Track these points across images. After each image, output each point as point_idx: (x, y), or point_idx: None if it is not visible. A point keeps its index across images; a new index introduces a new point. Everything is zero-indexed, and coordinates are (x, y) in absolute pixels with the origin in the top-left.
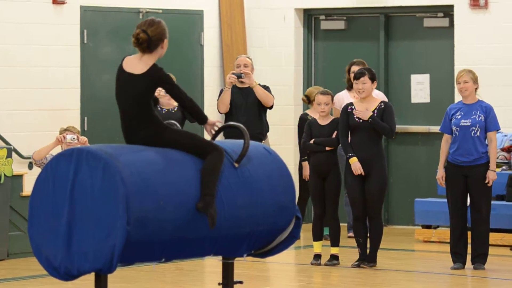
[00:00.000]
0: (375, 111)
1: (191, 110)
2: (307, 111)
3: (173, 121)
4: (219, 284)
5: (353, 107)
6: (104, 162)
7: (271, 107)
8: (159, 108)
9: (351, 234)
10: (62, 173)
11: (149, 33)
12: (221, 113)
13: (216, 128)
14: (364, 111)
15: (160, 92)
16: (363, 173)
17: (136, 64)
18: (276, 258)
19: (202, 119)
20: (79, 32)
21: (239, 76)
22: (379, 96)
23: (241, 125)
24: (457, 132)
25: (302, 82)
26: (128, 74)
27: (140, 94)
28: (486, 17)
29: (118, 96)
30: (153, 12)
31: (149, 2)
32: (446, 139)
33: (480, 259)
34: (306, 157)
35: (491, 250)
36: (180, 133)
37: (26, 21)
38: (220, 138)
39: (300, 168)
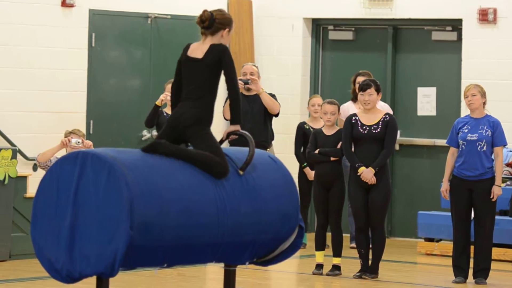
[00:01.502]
0: (380, 122)
1: (235, 103)
2: (306, 120)
3: None
4: None
5: (357, 117)
6: (109, 166)
7: (277, 115)
8: (164, 114)
9: (354, 244)
10: (66, 175)
11: (213, 14)
12: (226, 120)
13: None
14: (368, 176)
15: (167, 96)
16: (375, 181)
17: (198, 48)
18: (278, 266)
19: (237, 119)
20: (87, 36)
21: (246, 83)
22: (384, 107)
23: (247, 133)
24: (463, 146)
25: (308, 92)
26: (190, 59)
27: (204, 77)
28: (494, 32)
29: (186, 80)
30: (162, 18)
31: (158, 7)
32: (452, 152)
33: (482, 273)
34: (305, 164)
35: (493, 265)
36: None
37: (35, 23)
38: (225, 145)
39: (300, 176)
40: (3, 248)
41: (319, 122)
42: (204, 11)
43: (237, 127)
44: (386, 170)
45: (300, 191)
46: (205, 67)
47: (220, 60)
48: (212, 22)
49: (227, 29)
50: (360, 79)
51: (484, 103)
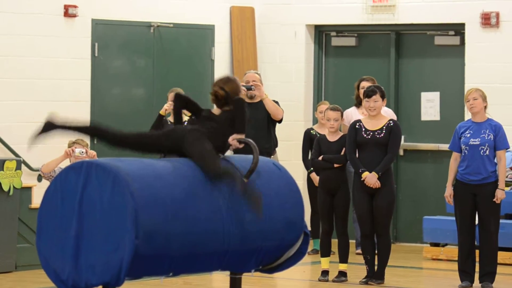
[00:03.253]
0: (384, 127)
1: (241, 114)
2: (313, 126)
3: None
4: None
5: (361, 123)
6: (113, 176)
7: (280, 121)
8: (168, 122)
9: (359, 251)
10: (71, 186)
11: (226, 90)
12: None
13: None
14: (371, 181)
15: (171, 106)
16: (379, 185)
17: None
18: (283, 274)
19: (241, 128)
20: (90, 45)
21: (249, 89)
22: (388, 113)
23: (251, 141)
24: (466, 151)
25: (312, 98)
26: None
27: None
28: (497, 35)
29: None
30: (165, 26)
31: (161, 16)
32: (455, 157)
33: (488, 277)
34: (312, 169)
35: (499, 269)
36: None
37: (38, 33)
38: (229, 153)
39: (309, 182)
40: (9, 260)
41: (326, 128)
42: (217, 90)
43: (241, 136)
44: (390, 175)
45: (310, 197)
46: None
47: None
48: (227, 98)
49: (240, 95)
50: (363, 84)
51: (485, 107)
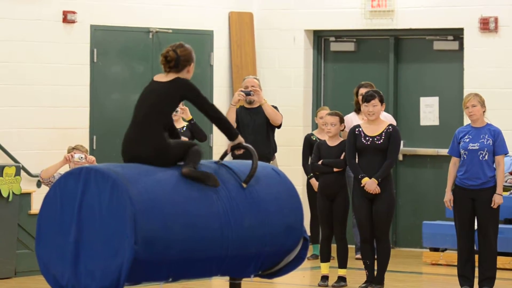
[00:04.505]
0: (383, 133)
1: (219, 123)
2: (314, 132)
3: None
4: None
5: (360, 129)
6: (112, 181)
7: (279, 126)
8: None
9: (359, 256)
10: (70, 191)
11: (178, 52)
12: None
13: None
14: (371, 187)
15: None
16: (379, 191)
17: (163, 77)
18: (283, 279)
19: (232, 135)
20: (89, 51)
21: (248, 94)
22: (387, 118)
23: (250, 146)
24: (465, 156)
25: (311, 104)
26: (154, 82)
27: (162, 101)
28: (496, 40)
29: (138, 103)
30: (163, 32)
31: (159, 22)
32: (454, 162)
33: (487, 282)
34: (311, 174)
35: (498, 274)
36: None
37: (36, 40)
38: (228, 158)
39: (309, 187)
40: (8, 265)
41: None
42: (169, 51)
43: (240, 140)
44: (390, 180)
45: (310, 202)
46: (165, 89)
47: (182, 96)
48: (178, 62)
49: (192, 64)
50: (362, 90)
51: (484, 112)
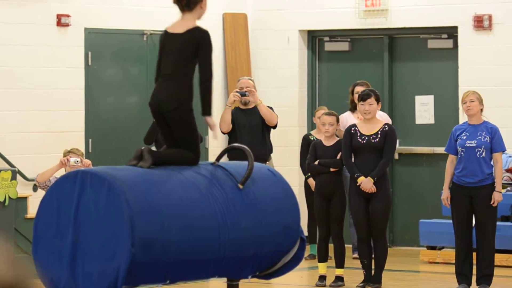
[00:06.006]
0: (379, 132)
1: (203, 94)
2: (311, 132)
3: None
4: None
5: (356, 128)
6: (108, 184)
7: (275, 127)
8: None
9: (356, 255)
10: (66, 195)
11: None
12: (223, 133)
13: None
14: (367, 186)
15: None
16: (375, 190)
17: (179, 25)
18: (281, 279)
19: (206, 110)
20: (84, 54)
21: (243, 95)
22: (383, 117)
23: (246, 147)
24: (462, 153)
25: (306, 103)
26: (169, 35)
27: (182, 52)
28: (490, 38)
29: (161, 59)
30: (157, 34)
31: (153, 24)
32: (451, 159)
33: (485, 280)
34: (309, 174)
35: (496, 271)
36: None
37: (31, 43)
38: (224, 159)
39: (306, 187)
40: None
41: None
42: None
43: (211, 119)
44: (386, 179)
45: (307, 202)
46: (184, 42)
47: (198, 45)
48: (189, 0)
49: (204, 0)
50: (358, 89)
51: (481, 110)
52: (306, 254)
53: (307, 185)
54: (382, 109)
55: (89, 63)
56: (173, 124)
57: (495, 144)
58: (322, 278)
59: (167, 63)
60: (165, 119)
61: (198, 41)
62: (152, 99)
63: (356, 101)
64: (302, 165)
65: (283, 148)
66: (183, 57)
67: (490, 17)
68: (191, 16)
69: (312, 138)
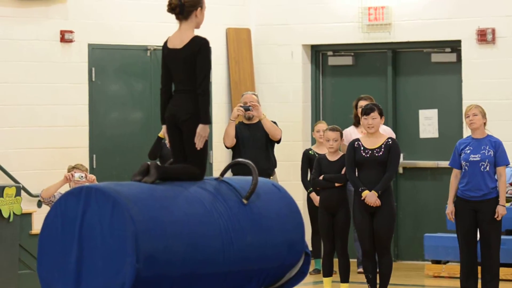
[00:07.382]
0: (382, 146)
1: (200, 102)
2: (312, 147)
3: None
4: None
5: (360, 142)
6: (113, 200)
7: (278, 141)
8: (167, 145)
9: (361, 269)
10: (71, 211)
11: (181, 1)
12: (227, 147)
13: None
14: (371, 200)
15: None
16: (379, 204)
17: (177, 38)
18: None
19: (206, 119)
20: (87, 70)
21: (247, 109)
22: (386, 131)
23: (250, 162)
24: (466, 167)
25: (310, 118)
26: (170, 50)
27: (185, 68)
28: (494, 52)
29: (164, 71)
30: (161, 49)
31: (157, 39)
32: (455, 174)
33: None
34: (311, 189)
35: (501, 285)
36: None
37: (34, 60)
38: (228, 174)
39: (309, 202)
40: (10, 286)
41: (324, 147)
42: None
43: (206, 128)
44: (390, 193)
45: (310, 216)
46: (184, 57)
47: (198, 52)
48: (182, 8)
49: (199, 8)
50: (362, 103)
51: (485, 124)
52: (310, 268)
53: (309, 200)
54: (386, 123)
55: (93, 79)
56: (185, 134)
57: (498, 158)
58: None
59: (176, 79)
60: (180, 133)
61: (196, 52)
62: (168, 111)
63: (360, 115)
64: (303, 180)
65: (287, 163)
66: (188, 72)
67: (493, 31)
68: (188, 26)
69: (312, 153)
